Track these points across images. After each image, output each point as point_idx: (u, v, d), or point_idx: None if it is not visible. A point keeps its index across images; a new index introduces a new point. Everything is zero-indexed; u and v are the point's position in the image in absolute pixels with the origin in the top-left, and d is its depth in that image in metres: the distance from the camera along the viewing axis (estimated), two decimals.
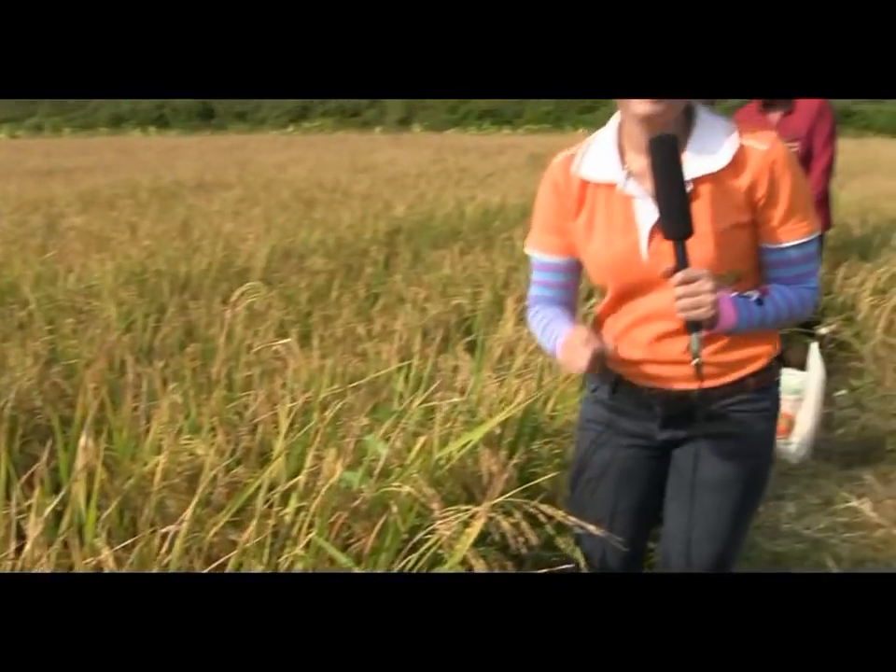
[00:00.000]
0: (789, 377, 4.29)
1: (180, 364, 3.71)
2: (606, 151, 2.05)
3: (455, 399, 2.99)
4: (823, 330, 5.69)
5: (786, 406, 3.73)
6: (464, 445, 2.69)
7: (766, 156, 1.93)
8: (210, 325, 4.45)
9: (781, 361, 2.20)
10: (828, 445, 4.68)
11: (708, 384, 2.04)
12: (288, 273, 5.86)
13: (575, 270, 2.21)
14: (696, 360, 1.89)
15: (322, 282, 5.63)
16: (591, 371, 1.96)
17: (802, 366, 4.67)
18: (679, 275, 1.82)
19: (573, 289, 2.27)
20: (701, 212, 1.92)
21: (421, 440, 2.61)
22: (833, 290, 6.73)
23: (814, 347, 4.83)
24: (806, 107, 5.18)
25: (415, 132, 46.24)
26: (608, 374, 2.19)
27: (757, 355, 2.10)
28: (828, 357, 5.08)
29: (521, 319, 4.67)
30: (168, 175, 14.51)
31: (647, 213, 1.97)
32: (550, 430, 3.34)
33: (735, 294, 1.94)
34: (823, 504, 4.10)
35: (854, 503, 3.96)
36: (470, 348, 4.24)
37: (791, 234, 1.98)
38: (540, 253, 2.21)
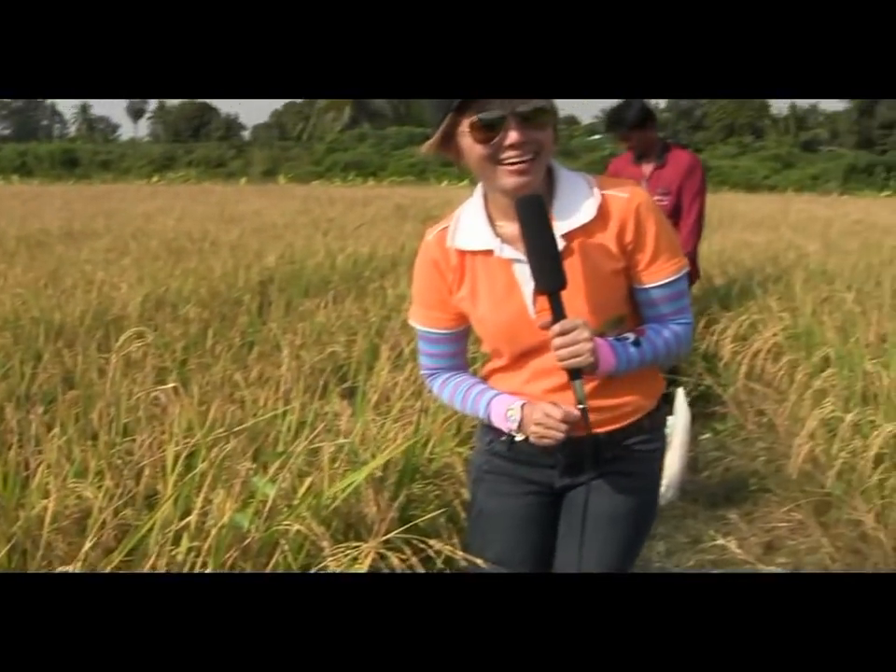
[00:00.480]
0: None
1: (60, 410, 3.73)
2: (476, 221, 2.11)
3: (341, 441, 3.09)
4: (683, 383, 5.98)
5: None
6: (349, 485, 2.80)
7: (629, 203, 2.03)
8: (87, 371, 4.46)
9: (665, 405, 2.33)
10: (694, 487, 4.92)
11: (608, 427, 2.13)
12: (163, 321, 5.88)
13: (463, 337, 2.29)
14: (582, 406, 1.96)
15: (196, 330, 5.67)
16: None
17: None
18: (556, 327, 1.91)
19: (463, 354, 2.33)
20: (575, 266, 2.00)
21: (308, 480, 2.71)
22: (696, 338, 7.07)
23: (680, 393, 5.08)
24: (678, 162, 5.37)
25: (280, 183, 46.09)
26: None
27: (649, 396, 2.21)
28: (692, 403, 5.35)
29: (395, 366, 4.81)
30: (35, 223, 14.22)
31: (527, 275, 2.00)
32: (429, 473, 3.46)
33: (612, 338, 2.04)
34: (691, 543, 4.33)
35: (721, 541, 4.12)
36: (347, 394, 4.36)
37: (660, 274, 2.08)
38: (429, 328, 2.25)
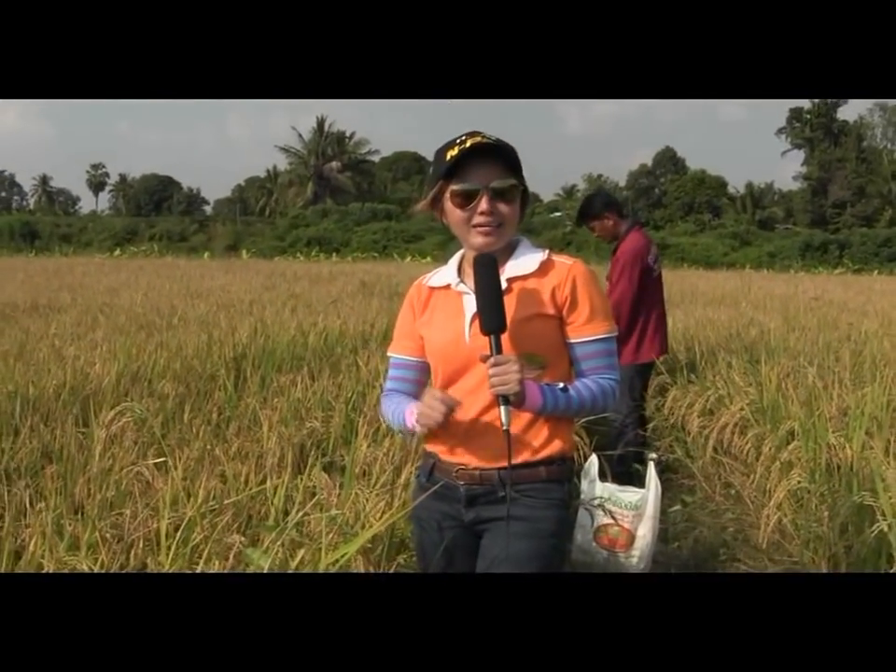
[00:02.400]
0: (629, 494, 4.59)
1: (44, 484, 3.76)
2: (449, 267, 2.59)
3: (334, 513, 3.15)
4: (653, 456, 6.06)
5: (626, 522, 4.02)
6: (343, 556, 2.86)
7: (569, 269, 2.46)
8: (66, 446, 4.50)
9: (573, 463, 2.56)
10: (665, 558, 4.97)
11: (503, 463, 2.34)
12: (139, 396, 5.91)
13: (421, 370, 2.64)
14: (505, 429, 2.27)
15: (173, 405, 5.71)
16: (441, 423, 2.33)
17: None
18: (492, 359, 2.26)
19: (421, 385, 2.65)
20: (512, 303, 2.39)
21: (301, 551, 2.77)
22: (664, 413, 7.19)
23: (651, 466, 5.16)
24: (622, 246, 6.01)
25: (244, 258, 46.21)
26: (429, 457, 2.58)
27: (549, 445, 2.45)
28: (661, 475, 5.43)
29: (374, 441, 4.88)
30: None
31: (471, 305, 2.43)
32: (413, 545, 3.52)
33: (542, 383, 2.37)
34: None
35: None
36: (326, 468, 4.42)
37: (592, 330, 2.45)
38: (397, 354, 2.66)
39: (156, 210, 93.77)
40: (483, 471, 2.45)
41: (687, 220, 69.66)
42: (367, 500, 3.51)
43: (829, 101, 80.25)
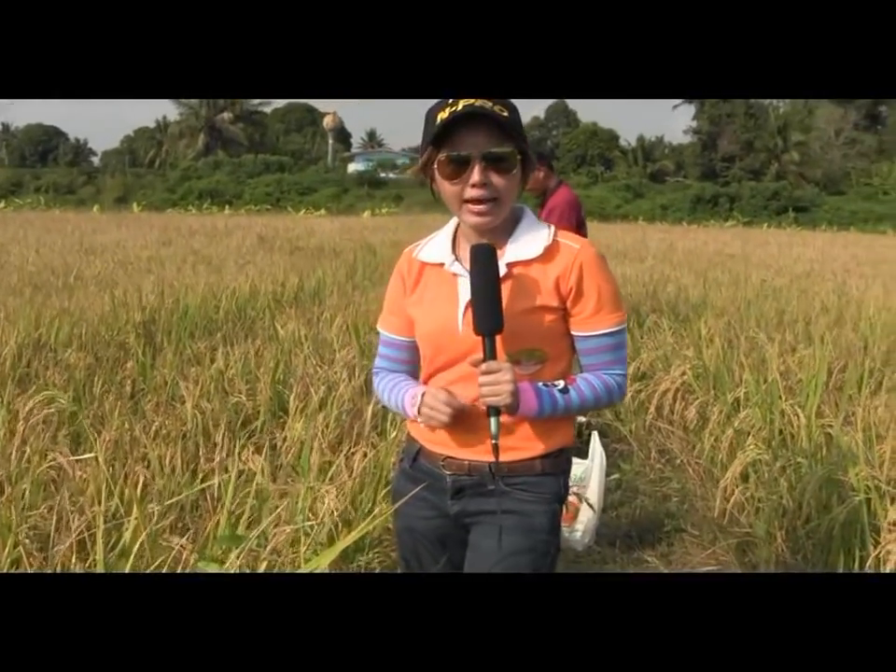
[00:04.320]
0: (573, 466, 4.39)
1: None
2: (442, 240, 2.29)
3: (304, 524, 2.84)
4: (581, 419, 5.85)
5: (569, 495, 3.82)
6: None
7: (577, 253, 2.17)
8: None
9: (570, 454, 2.35)
10: (608, 530, 4.78)
11: (500, 457, 2.14)
12: (43, 368, 5.47)
13: (412, 350, 2.38)
14: (494, 441, 2.07)
15: (82, 377, 5.29)
16: (447, 425, 2.16)
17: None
18: (483, 366, 2.04)
19: (412, 365, 2.42)
20: (511, 292, 2.14)
21: (263, 565, 2.46)
22: None
23: (595, 436, 4.96)
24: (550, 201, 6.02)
25: (135, 211, 44.95)
26: (413, 444, 2.37)
27: (547, 439, 2.23)
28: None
29: (305, 416, 4.57)
30: None
31: (466, 290, 2.14)
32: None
33: (540, 383, 2.16)
34: None
35: None
36: (258, 449, 4.11)
37: (598, 325, 2.19)
38: (386, 331, 2.42)
39: (41, 161, 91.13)
40: (473, 463, 2.23)
41: (580, 172, 70.23)
42: (325, 496, 3.19)
43: None
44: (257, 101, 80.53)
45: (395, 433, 4.24)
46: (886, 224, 48.48)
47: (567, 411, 2.19)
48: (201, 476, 3.47)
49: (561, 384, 2.18)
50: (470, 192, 2.08)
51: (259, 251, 16.56)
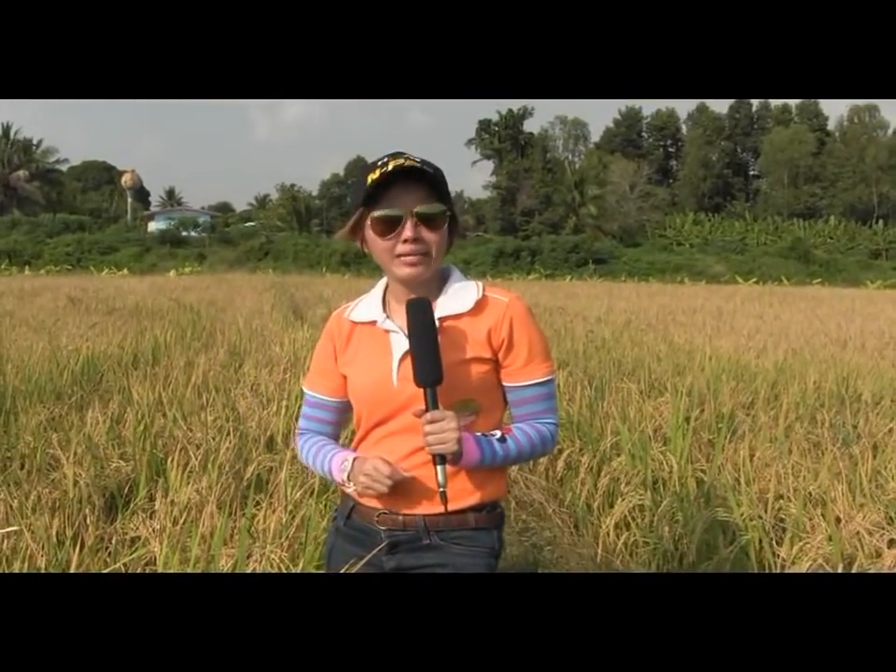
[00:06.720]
0: None
1: None
2: (373, 300, 2.37)
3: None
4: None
5: None
6: None
7: (505, 307, 2.27)
8: None
9: (503, 510, 2.39)
10: None
11: (430, 510, 2.23)
12: None
13: (338, 412, 2.44)
14: (442, 490, 2.12)
15: None
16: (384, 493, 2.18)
17: None
18: (428, 415, 2.10)
19: (335, 428, 2.48)
20: (445, 345, 2.18)
21: None
22: None
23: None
24: None
25: None
26: (347, 501, 2.39)
27: (482, 490, 2.28)
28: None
29: (190, 480, 4.50)
30: None
31: (399, 345, 2.24)
32: None
33: (479, 433, 2.20)
34: None
35: None
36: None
37: (530, 374, 2.27)
38: (312, 392, 2.45)
39: None
40: (407, 517, 2.27)
41: None
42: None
43: (515, 113, 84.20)
44: (53, 159, 78.10)
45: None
46: (682, 273, 50.92)
47: (505, 460, 2.24)
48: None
49: (498, 433, 2.22)
50: (402, 248, 2.17)
51: (72, 312, 16.00)
